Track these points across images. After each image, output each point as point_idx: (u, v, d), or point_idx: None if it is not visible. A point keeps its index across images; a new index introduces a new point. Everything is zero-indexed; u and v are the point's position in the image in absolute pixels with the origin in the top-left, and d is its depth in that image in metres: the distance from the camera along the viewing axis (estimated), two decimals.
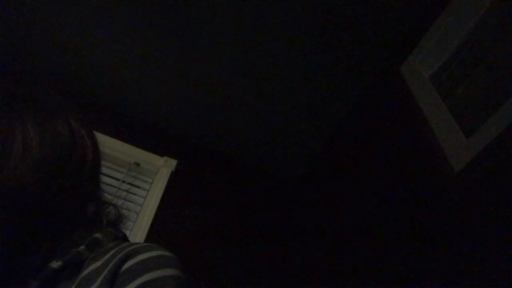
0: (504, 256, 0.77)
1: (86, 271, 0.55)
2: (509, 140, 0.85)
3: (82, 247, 0.57)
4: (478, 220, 0.88)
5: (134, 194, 2.05)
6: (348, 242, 1.48)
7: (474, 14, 1.17)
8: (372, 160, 1.55)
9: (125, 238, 0.66)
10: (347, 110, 1.93)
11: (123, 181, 2.04)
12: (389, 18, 1.62)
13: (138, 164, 2.09)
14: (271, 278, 2.00)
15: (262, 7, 1.67)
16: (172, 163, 2.14)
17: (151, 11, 1.78)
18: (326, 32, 1.70)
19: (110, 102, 2.20)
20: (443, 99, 1.15)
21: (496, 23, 1.07)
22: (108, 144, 2.02)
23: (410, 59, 1.43)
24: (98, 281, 0.53)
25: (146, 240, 1.88)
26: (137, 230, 1.89)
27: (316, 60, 1.80)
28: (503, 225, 0.80)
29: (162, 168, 2.11)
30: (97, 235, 0.60)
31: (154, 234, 1.90)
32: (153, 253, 0.55)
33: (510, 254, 0.76)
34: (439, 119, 1.12)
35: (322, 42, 1.74)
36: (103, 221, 0.65)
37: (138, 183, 2.09)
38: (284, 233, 2.12)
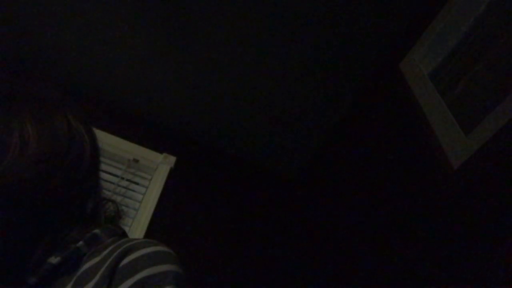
0: (503, 253, 0.77)
1: (84, 267, 0.55)
2: (507, 137, 0.85)
3: (81, 243, 0.57)
4: (476, 217, 0.88)
5: (133, 190, 2.05)
6: (347, 240, 1.48)
7: (474, 11, 1.17)
8: (371, 157, 1.55)
9: (124, 234, 0.66)
10: (346, 107, 1.93)
11: (122, 178, 2.04)
12: (388, 15, 1.62)
13: (137, 161, 2.09)
14: (270, 275, 2.00)
15: (261, 4, 1.67)
16: (171, 159, 2.14)
17: (152, 8, 1.78)
18: (325, 29, 1.70)
19: (109, 98, 2.20)
20: (442, 96, 1.15)
21: (495, 20, 1.07)
22: (107, 140, 2.03)
23: (410, 56, 1.43)
24: (97, 277, 0.53)
25: (145, 237, 1.88)
26: (136, 227, 1.89)
27: (316, 57, 1.80)
28: (501, 222, 0.80)
29: (161, 164, 2.11)
30: (96, 231, 0.60)
31: (153, 231, 1.90)
32: (152, 249, 0.55)
33: (508, 251, 0.76)
34: (438, 116, 1.13)
35: (321, 39, 1.74)
36: (102, 217, 0.65)
37: (137, 179, 2.09)
38: (283, 230, 2.12)
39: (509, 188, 0.82)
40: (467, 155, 0.94)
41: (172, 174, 2.11)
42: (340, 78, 1.85)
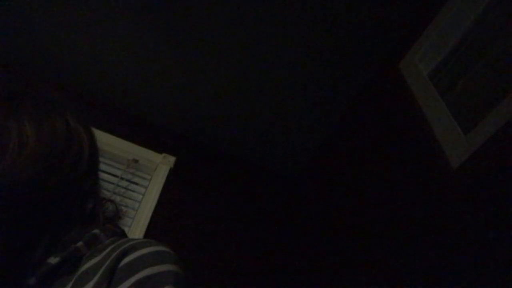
0: (502, 251, 0.77)
1: (84, 267, 0.55)
2: (507, 137, 0.85)
3: (80, 243, 0.57)
4: (476, 216, 0.88)
5: (133, 191, 2.05)
6: (347, 239, 1.48)
7: (473, 11, 1.17)
8: (371, 156, 1.55)
9: (123, 234, 0.66)
10: (346, 106, 1.93)
11: (122, 178, 2.03)
12: (388, 15, 1.62)
13: (136, 161, 2.08)
14: (270, 274, 2.00)
15: (262, 5, 1.67)
16: (171, 160, 2.14)
17: (152, 8, 1.78)
18: (325, 28, 1.70)
19: (108, 99, 2.19)
20: (441, 96, 1.15)
21: (495, 20, 1.07)
22: (106, 140, 2.03)
23: (409, 56, 1.43)
24: (96, 277, 0.53)
25: (144, 237, 1.88)
26: (136, 227, 1.89)
27: (316, 57, 1.80)
28: (501, 221, 0.80)
29: (161, 165, 2.11)
30: (95, 231, 0.60)
31: (153, 231, 1.90)
32: (151, 249, 0.55)
33: (508, 249, 0.76)
34: (438, 115, 1.13)
35: (322, 38, 1.73)
36: (101, 218, 0.65)
37: (137, 180, 2.09)
38: (283, 230, 2.12)
39: (509, 187, 0.82)
40: (466, 155, 0.94)
41: (172, 174, 2.11)
42: (340, 77, 1.85)
